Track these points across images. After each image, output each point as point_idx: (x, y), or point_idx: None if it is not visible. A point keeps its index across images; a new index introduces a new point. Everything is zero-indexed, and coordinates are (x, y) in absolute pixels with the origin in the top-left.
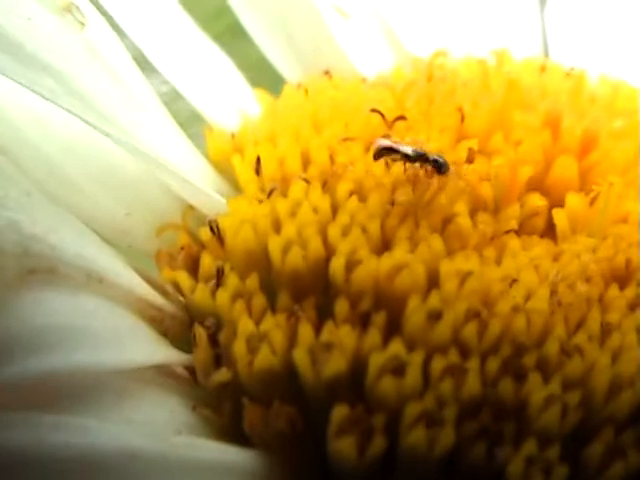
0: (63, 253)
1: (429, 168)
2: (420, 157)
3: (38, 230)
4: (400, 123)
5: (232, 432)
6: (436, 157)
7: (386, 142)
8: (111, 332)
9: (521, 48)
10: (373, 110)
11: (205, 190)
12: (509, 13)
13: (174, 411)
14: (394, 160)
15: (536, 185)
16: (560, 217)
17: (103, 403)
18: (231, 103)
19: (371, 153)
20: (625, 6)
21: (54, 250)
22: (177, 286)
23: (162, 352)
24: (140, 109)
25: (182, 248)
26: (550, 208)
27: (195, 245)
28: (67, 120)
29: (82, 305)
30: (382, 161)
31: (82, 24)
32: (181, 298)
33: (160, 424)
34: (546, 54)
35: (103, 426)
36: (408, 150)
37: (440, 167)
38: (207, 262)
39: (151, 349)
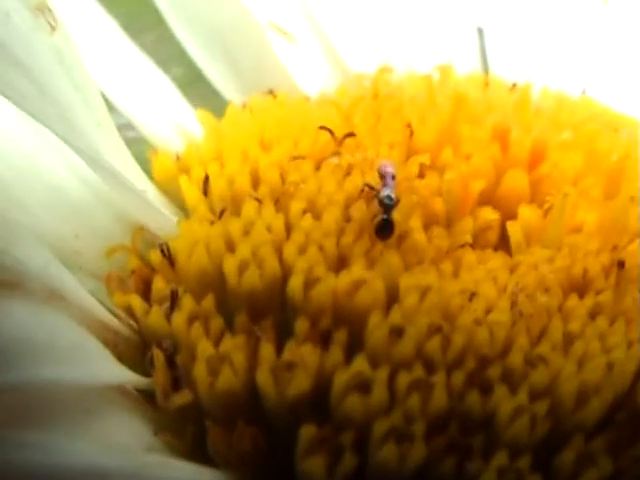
0: (29, 268)
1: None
2: (383, 205)
3: (4, 244)
4: (349, 140)
5: (195, 454)
6: (390, 219)
7: (390, 169)
8: (73, 349)
9: (460, 64)
10: (321, 127)
11: (159, 209)
12: (447, 29)
13: (139, 433)
14: (371, 188)
15: (488, 198)
16: (514, 229)
17: (70, 422)
18: (173, 124)
19: (322, 171)
20: (560, 19)
21: (21, 264)
22: (129, 310)
23: (123, 373)
24: (97, 125)
25: (133, 271)
26: (503, 221)
27: (146, 268)
28: (17, 141)
29: (46, 320)
30: (333, 177)
31: (53, 28)
32: (132, 322)
33: (128, 444)
34: (485, 70)
35: (72, 444)
36: (387, 190)
37: (383, 228)
38: (159, 285)
39: (113, 369)
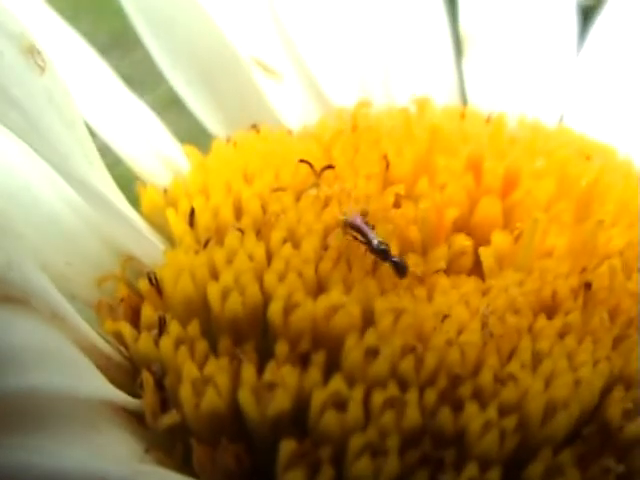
0: (34, 286)
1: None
2: (381, 252)
3: (14, 259)
4: (328, 172)
5: (184, 471)
6: (397, 259)
7: (358, 221)
8: (69, 363)
9: (439, 96)
10: (301, 161)
11: (147, 238)
12: (427, 62)
13: (132, 447)
14: (356, 239)
15: (462, 226)
16: (486, 255)
17: (67, 430)
18: (161, 160)
19: (302, 202)
20: (538, 49)
21: (27, 282)
22: (119, 336)
23: (114, 392)
24: (85, 157)
25: (122, 299)
26: (476, 247)
27: (134, 296)
28: (12, 170)
29: (46, 334)
30: (312, 208)
31: (42, 68)
32: (122, 348)
33: (122, 454)
34: (464, 102)
35: (69, 449)
36: (374, 240)
37: (399, 269)
38: (148, 312)
39: (105, 386)
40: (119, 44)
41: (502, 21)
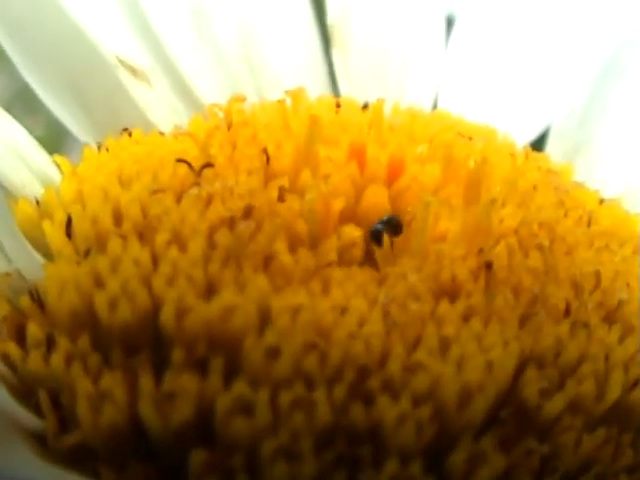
0: None
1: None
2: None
3: None
4: (207, 170)
5: None
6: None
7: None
8: None
9: (312, 88)
10: (179, 160)
11: (27, 251)
12: (295, 56)
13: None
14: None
15: (350, 216)
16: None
17: None
18: (30, 171)
19: (183, 202)
20: (406, 31)
21: None
22: (6, 358)
23: (18, 409)
24: None
25: (4, 319)
26: (366, 236)
27: (17, 314)
28: None
29: None
30: (195, 208)
31: None
32: (8, 371)
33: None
34: (336, 93)
35: None
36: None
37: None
38: (33, 329)
39: (9, 402)
40: None
41: (370, 13)
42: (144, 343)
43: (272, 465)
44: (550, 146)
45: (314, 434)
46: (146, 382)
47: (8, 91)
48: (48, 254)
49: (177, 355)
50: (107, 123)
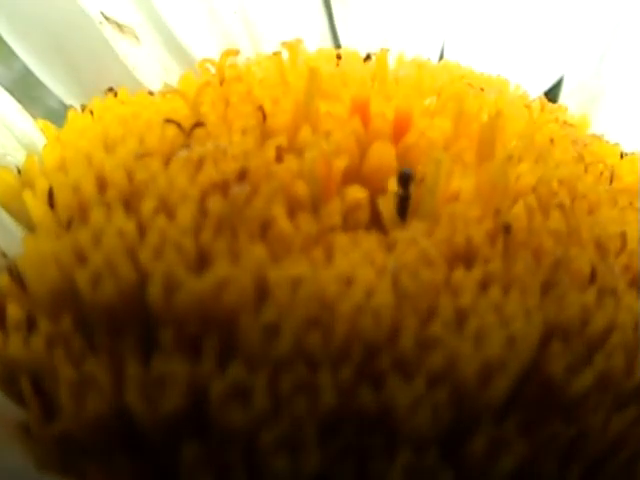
0: None
1: None
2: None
3: None
4: (198, 130)
5: None
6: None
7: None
8: None
9: (310, 41)
10: (168, 120)
11: (5, 224)
12: (293, 6)
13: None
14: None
15: (354, 176)
16: (385, 205)
17: None
18: (12, 136)
19: (172, 166)
20: None
21: None
22: None
23: (4, 402)
24: None
25: None
26: (372, 198)
27: None
28: None
29: None
30: (185, 171)
31: None
32: None
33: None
34: (337, 45)
35: None
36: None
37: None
38: (13, 310)
39: None
40: None
41: None
42: (130, 323)
43: (272, 458)
44: (564, 97)
45: (318, 421)
46: (133, 366)
47: (5, 81)
48: (30, 227)
49: (166, 336)
50: (94, 84)
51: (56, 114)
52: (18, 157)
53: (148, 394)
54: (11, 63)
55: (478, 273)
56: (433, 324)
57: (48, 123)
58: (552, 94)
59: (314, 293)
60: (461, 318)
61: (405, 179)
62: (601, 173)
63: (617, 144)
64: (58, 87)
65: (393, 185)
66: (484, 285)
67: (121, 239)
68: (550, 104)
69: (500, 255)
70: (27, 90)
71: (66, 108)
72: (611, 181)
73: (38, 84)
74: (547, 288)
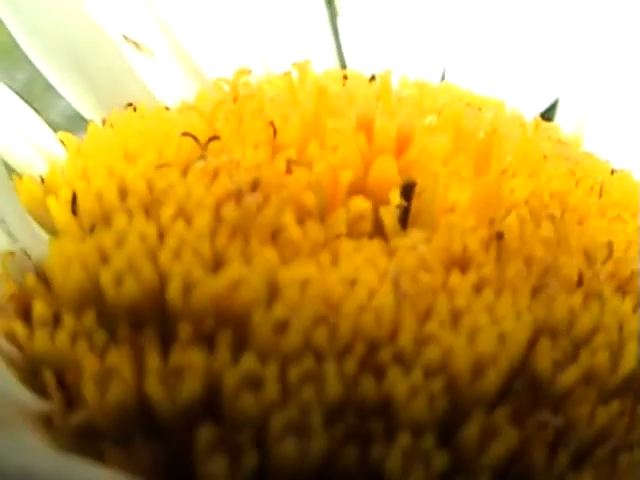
0: None
1: None
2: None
3: None
4: (214, 144)
5: None
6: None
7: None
8: None
9: (318, 62)
10: (185, 134)
11: (32, 229)
12: (302, 29)
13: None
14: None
15: (358, 188)
16: (387, 215)
17: None
18: (33, 147)
19: (189, 176)
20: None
21: None
22: (13, 337)
23: (25, 393)
24: None
25: (11, 297)
26: (375, 208)
27: (23, 293)
28: None
29: None
30: (201, 181)
31: None
32: (15, 349)
33: (46, 447)
34: (343, 66)
35: None
36: None
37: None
38: (39, 308)
39: (15, 387)
40: None
41: None
42: (150, 319)
43: (281, 440)
44: (559, 118)
45: (324, 408)
46: (153, 358)
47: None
48: (53, 231)
49: (184, 330)
50: (112, 99)
51: (56, 127)
52: (40, 167)
53: (167, 383)
54: (14, 74)
55: (473, 277)
56: (430, 322)
57: (69, 135)
58: (548, 115)
59: (321, 293)
60: (456, 317)
61: (408, 189)
62: (591, 187)
63: (607, 161)
64: (77, 101)
65: (395, 197)
66: (478, 288)
67: (142, 242)
68: (545, 123)
69: (493, 261)
70: (30, 101)
71: (69, 121)
72: (600, 195)
73: (41, 96)
74: (537, 291)
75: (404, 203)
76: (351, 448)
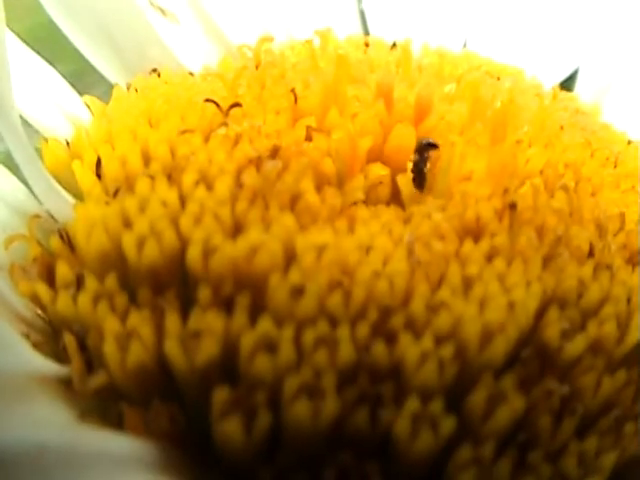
0: None
1: None
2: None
3: None
4: (235, 110)
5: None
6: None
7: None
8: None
9: (341, 28)
10: (207, 100)
11: (57, 192)
12: None
13: (65, 415)
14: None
15: (377, 155)
16: (404, 182)
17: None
18: (60, 111)
19: (211, 142)
20: None
21: None
22: (35, 299)
23: (41, 361)
24: None
25: (34, 260)
26: (393, 176)
27: (47, 255)
28: None
29: None
30: (222, 148)
31: None
32: (39, 311)
33: (61, 421)
34: (366, 32)
35: (4, 422)
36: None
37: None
38: (63, 270)
39: (31, 357)
40: None
41: None
42: (171, 282)
43: (295, 402)
44: (579, 86)
45: (337, 372)
46: (172, 321)
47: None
48: (78, 195)
49: (203, 294)
50: (137, 64)
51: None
52: (66, 130)
53: (186, 345)
54: None
55: (485, 246)
56: (442, 290)
57: (94, 99)
58: (568, 84)
59: (336, 259)
60: (467, 285)
61: (423, 148)
62: (607, 158)
63: (624, 132)
64: (102, 65)
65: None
66: (490, 257)
67: (164, 207)
68: (563, 93)
69: (506, 230)
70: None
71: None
72: (615, 166)
73: None
74: (548, 261)
75: (417, 158)
76: (362, 411)
